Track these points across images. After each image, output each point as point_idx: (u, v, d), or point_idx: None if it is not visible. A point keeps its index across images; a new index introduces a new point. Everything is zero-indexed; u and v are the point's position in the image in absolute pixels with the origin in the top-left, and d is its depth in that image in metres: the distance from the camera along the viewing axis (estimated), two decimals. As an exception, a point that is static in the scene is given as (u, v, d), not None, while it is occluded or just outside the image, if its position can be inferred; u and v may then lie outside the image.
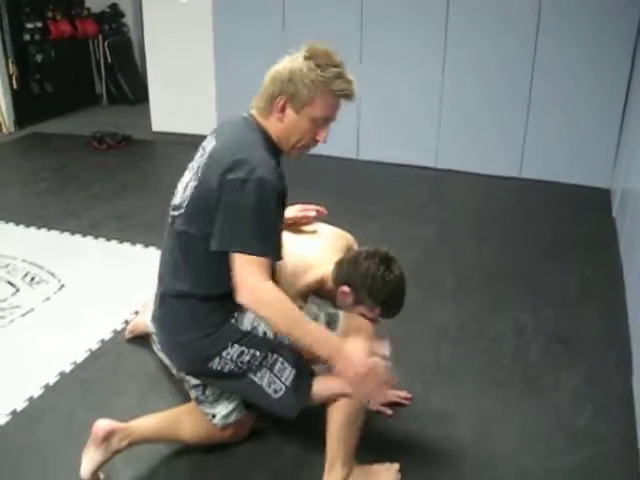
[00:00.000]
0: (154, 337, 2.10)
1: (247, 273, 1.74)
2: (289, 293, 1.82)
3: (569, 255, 3.70)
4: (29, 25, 6.28)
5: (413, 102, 5.09)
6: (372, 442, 1.85)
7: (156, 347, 2.11)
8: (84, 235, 3.89)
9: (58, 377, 2.57)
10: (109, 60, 7.26)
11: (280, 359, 1.90)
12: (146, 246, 3.73)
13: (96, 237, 3.87)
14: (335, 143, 5.27)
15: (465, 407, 2.42)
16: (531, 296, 3.24)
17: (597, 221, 4.19)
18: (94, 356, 2.72)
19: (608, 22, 4.40)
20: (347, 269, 2.07)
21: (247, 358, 1.88)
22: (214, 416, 2.06)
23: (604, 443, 2.26)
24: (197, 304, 1.88)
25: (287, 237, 2.04)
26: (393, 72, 5.06)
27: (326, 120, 1.88)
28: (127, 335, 2.84)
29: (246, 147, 1.82)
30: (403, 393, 2.40)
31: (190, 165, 1.97)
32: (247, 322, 1.89)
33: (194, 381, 2.03)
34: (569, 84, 4.63)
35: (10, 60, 6.12)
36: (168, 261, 1.98)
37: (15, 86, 6.21)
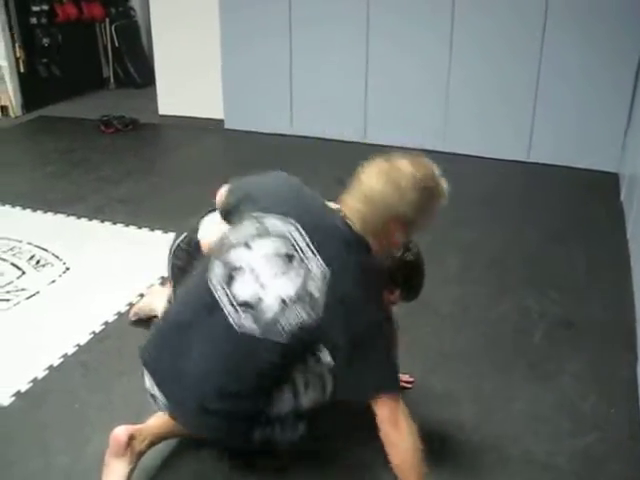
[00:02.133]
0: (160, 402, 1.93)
1: (388, 408, 1.70)
2: None
3: (576, 239, 3.67)
4: (35, 8, 6.25)
5: (420, 86, 5.05)
6: (374, 425, 1.84)
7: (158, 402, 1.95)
8: (90, 219, 3.90)
9: (62, 359, 2.59)
10: (116, 44, 7.24)
11: (302, 426, 1.88)
12: (152, 230, 3.73)
13: (102, 221, 3.87)
14: (342, 127, 5.34)
15: (468, 391, 2.42)
16: (537, 280, 3.23)
17: (605, 205, 4.16)
18: (97, 338, 2.73)
19: (617, 5, 4.34)
20: None
21: (268, 430, 1.85)
22: None
23: (608, 427, 2.25)
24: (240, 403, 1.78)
25: None
26: (400, 55, 5.02)
27: None
28: (131, 317, 2.84)
29: (373, 284, 1.72)
30: (406, 377, 2.39)
31: (264, 251, 1.69)
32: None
33: None
34: (577, 68, 4.58)
35: (17, 44, 6.10)
36: (211, 357, 1.75)
37: (22, 70, 6.20)
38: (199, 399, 1.77)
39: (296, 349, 1.71)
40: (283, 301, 1.64)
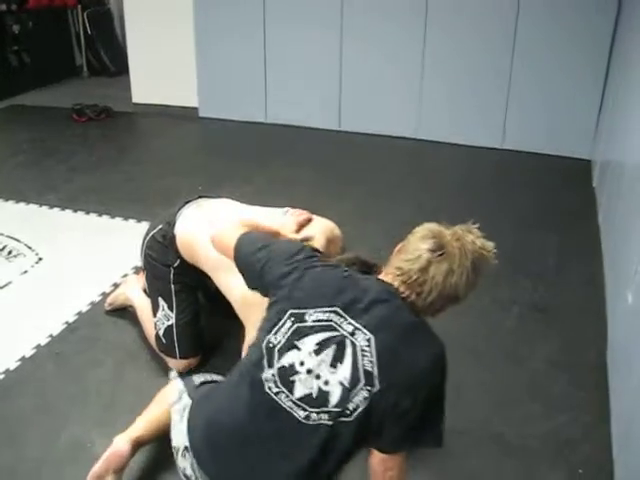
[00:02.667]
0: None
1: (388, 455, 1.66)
2: None
3: (549, 225, 3.71)
4: (5, -6, 6.17)
5: (394, 72, 5.06)
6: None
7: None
8: (63, 208, 3.86)
9: (35, 350, 2.56)
10: (89, 31, 7.16)
11: None
12: (125, 219, 3.70)
13: (75, 210, 3.84)
14: (318, 114, 5.33)
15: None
16: (509, 266, 3.25)
17: (577, 192, 4.20)
18: (70, 328, 2.71)
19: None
20: None
21: None
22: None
23: (578, 410, 2.28)
24: None
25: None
26: (375, 43, 5.03)
27: None
28: (106, 307, 2.82)
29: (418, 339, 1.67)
30: None
31: (313, 348, 1.63)
32: None
33: None
34: (550, 55, 4.61)
35: (-14, 31, 6.03)
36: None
37: (-8, 58, 6.12)
38: None
39: (365, 430, 1.63)
40: (342, 385, 1.59)
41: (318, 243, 2.16)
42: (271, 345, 1.66)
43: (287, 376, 1.63)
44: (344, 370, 1.59)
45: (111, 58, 7.26)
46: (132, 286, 2.77)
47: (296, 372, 1.62)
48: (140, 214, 3.67)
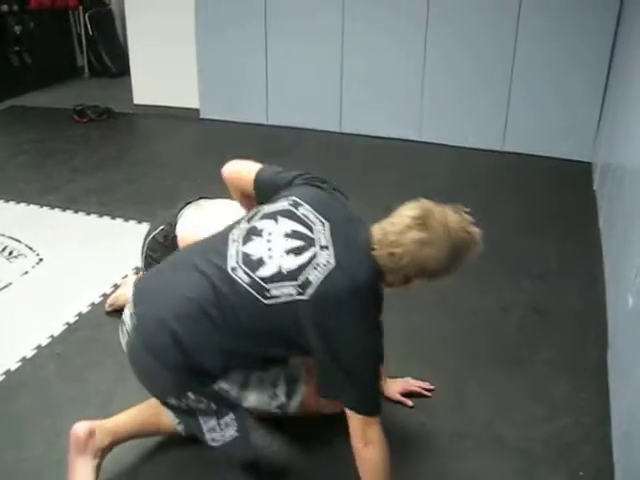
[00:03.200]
0: (126, 328, 1.84)
1: (361, 423, 1.72)
2: None
3: (549, 228, 3.71)
4: (7, -5, 6.17)
5: (396, 75, 5.06)
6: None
7: (124, 338, 1.87)
8: (63, 209, 3.86)
9: (35, 350, 2.56)
10: (90, 32, 7.17)
11: (232, 415, 1.83)
12: (126, 220, 3.71)
13: (76, 211, 3.84)
14: (318, 116, 5.33)
15: (442, 378, 2.43)
16: (510, 269, 3.26)
17: (578, 194, 4.20)
18: (71, 329, 2.71)
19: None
20: None
21: (201, 406, 1.80)
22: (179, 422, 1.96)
23: (580, 413, 2.28)
24: (187, 368, 1.73)
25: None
26: (376, 44, 5.03)
27: None
28: (107, 308, 2.82)
29: (368, 302, 1.72)
30: (425, 384, 2.36)
31: (285, 226, 1.75)
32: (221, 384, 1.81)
33: None
34: (551, 58, 4.61)
35: (-12, 32, 6.03)
36: (193, 308, 1.71)
37: (-6, 58, 6.12)
38: (164, 313, 1.71)
39: (271, 327, 1.70)
40: (280, 271, 1.68)
41: None
42: (262, 210, 1.83)
43: (251, 232, 1.77)
44: (291, 263, 1.69)
45: (112, 59, 7.26)
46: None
47: (259, 233, 1.76)
48: (141, 215, 3.67)
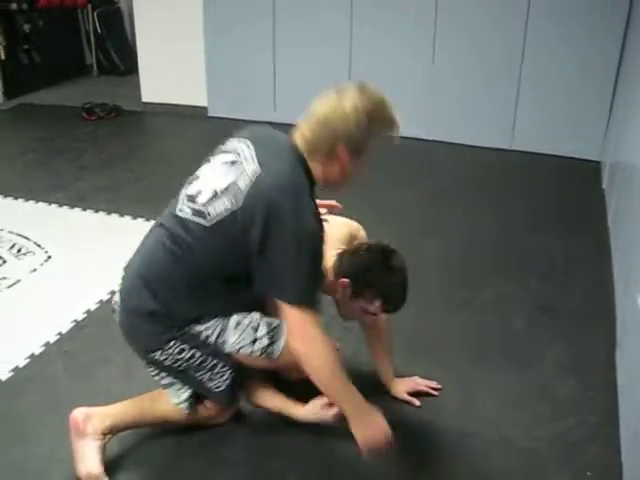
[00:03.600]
0: (115, 306, 2.05)
1: (296, 320, 1.79)
2: None
3: (558, 227, 3.70)
4: (16, -7, 6.18)
5: (404, 75, 5.04)
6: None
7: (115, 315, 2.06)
8: (72, 207, 3.87)
9: (43, 347, 2.58)
10: (99, 30, 7.17)
11: (220, 363, 1.93)
12: (134, 218, 3.72)
13: (84, 209, 3.85)
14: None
15: (449, 377, 2.43)
16: (518, 267, 3.25)
17: (587, 193, 4.19)
18: (79, 326, 2.72)
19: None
20: (347, 261, 2.06)
21: (186, 356, 1.90)
22: (179, 401, 2.03)
23: (587, 412, 2.27)
24: (161, 311, 1.88)
25: None
26: (384, 44, 5.02)
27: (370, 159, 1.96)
28: (114, 305, 2.81)
29: (297, 191, 1.79)
30: (433, 383, 2.36)
31: (216, 162, 1.93)
32: (193, 326, 1.91)
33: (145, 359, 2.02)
34: (560, 57, 4.60)
35: (-3, 30, 6.04)
36: (156, 249, 1.93)
37: (3, 56, 6.12)
38: (135, 267, 1.96)
39: (224, 244, 1.81)
40: (215, 192, 1.83)
41: (340, 235, 2.20)
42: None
43: (193, 179, 1.96)
44: (223, 182, 1.83)
45: (121, 57, 7.27)
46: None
47: (196, 177, 1.96)
48: (149, 213, 3.67)
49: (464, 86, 4.94)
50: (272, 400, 2.14)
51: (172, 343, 1.89)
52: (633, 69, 3.82)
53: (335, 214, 2.32)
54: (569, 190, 4.25)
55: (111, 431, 1.99)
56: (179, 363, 1.92)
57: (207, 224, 1.81)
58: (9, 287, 3.01)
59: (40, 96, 6.40)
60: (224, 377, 1.95)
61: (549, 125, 4.79)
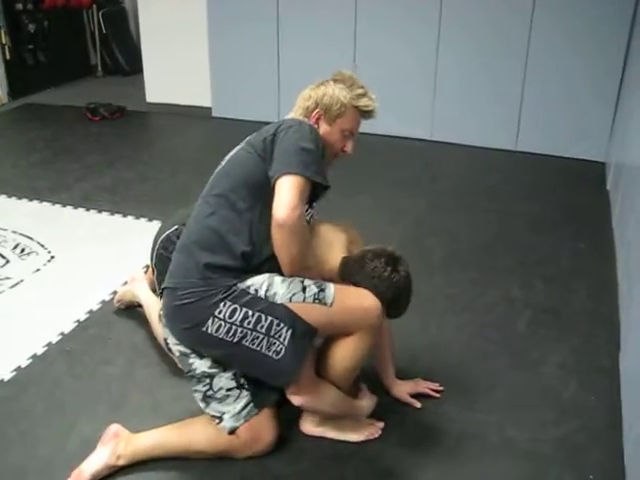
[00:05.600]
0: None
1: (292, 195, 1.88)
2: None
3: (562, 228, 3.69)
4: (21, -6, 6.19)
5: (408, 74, 5.04)
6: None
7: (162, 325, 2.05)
8: (75, 207, 3.88)
9: (46, 347, 2.58)
10: (103, 30, 7.19)
11: (275, 320, 1.87)
12: (137, 218, 3.72)
13: (87, 209, 3.85)
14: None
15: (452, 378, 2.42)
16: (522, 268, 3.24)
17: (591, 194, 4.17)
18: (82, 326, 2.72)
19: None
20: (353, 269, 2.05)
21: (239, 317, 1.85)
22: (221, 419, 1.98)
23: (590, 416, 2.26)
24: (215, 268, 1.91)
25: None
26: (388, 44, 5.01)
27: (351, 133, 2.22)
28: (115, 304, 2.83)
29: (302, 123, 2.09)
30: (434, 385, 2.36)
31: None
32: (240, 284, 1.90)
33: (200, 370, 1.97)
34: (565, 58, 4.58)
35: (2, 30, 6.06)
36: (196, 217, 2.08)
37: (8, 57, 6.16)
38: (187, 241, 2.02)
39: (247, 158, 2.07)
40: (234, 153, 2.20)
41: (341, 246, 2.18)
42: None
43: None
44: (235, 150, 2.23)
45: (125, 57, 7.28)
46: (139, 284, 2.78)
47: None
48: (152, 213, 3.68)
49: (469, 87, 4.93)
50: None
51: (222, 305, 1.86)
52: (638, 70, 3.81)
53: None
54: (574, 191, 4.23)
55: (131, 460, 1.98)
56: (232, 332, 1.86)
57: (224, 163, 2.21)
58: (12, 287, 3.02)
59: (45, 96, 6.43)
60: (282, 337, 1.87)
61: (554, 126, 4.78)
